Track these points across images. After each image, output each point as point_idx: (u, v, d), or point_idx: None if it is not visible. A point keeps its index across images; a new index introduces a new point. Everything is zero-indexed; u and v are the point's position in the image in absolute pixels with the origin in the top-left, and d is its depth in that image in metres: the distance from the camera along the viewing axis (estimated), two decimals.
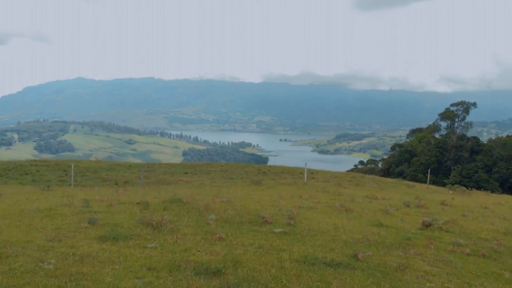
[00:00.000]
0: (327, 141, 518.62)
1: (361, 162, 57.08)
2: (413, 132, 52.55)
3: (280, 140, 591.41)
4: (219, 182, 24.48)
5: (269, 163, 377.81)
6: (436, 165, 41.02)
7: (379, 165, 52.44)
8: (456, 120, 47.71)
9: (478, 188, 39.24)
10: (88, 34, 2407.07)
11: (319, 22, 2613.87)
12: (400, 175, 42.11)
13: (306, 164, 23.12)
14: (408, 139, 51.92)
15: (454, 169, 40.76)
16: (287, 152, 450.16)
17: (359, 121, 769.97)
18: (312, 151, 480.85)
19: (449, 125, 46.95)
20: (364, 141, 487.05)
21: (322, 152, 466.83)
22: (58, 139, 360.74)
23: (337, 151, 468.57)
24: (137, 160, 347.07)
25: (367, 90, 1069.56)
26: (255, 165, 38.42)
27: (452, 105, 47.74)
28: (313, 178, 25.60)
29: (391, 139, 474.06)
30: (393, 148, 52.36)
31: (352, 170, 55.49)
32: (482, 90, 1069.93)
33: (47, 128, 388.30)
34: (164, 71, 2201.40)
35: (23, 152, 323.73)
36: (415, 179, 40.99)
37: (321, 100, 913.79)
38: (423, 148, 41.63)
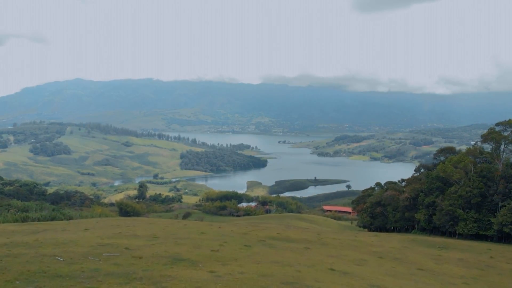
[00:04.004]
0: (326, 143, 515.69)
1: (378, 184, 51.03)
2: (441, 151, 45.61)
3: (279, 142, 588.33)
4: None
5: (268, 165, 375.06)
6: (480, 199, 34.53)
7: (402, 184, 46.38)
8: (503, 142, 38.91)
9: None
10: (87, 35, 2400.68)
11: (318, 23, 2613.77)
12: (431, 206, 36.45)
13: None
14: (435, 160, 45.24)
15: (504, 206, 33.29)
16: (286, 154, 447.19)
17: (358, 122, 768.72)
18: (311, 153, 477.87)
19: (494, 148, 38.52)
20: (364, 143, 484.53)
21: (321, 154, 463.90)
22: (54, 141, 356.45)
23: (336, 153, 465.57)
24: (135, 163, 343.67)
25: (366, 92, 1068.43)
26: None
27: (497, 124, 39.56)
28: None
29: (390, 141, 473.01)
30: (417, 169, 45.72)
31: (368, 195, 50.04)
32: (481, 92, 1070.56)
33: (43, 130, 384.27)
34: (163, 72, 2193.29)
35: (18, 154, 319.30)
36: (453, 215, 34.74)
37: (320, 101, 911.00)
38: (460, 175, 35.20)
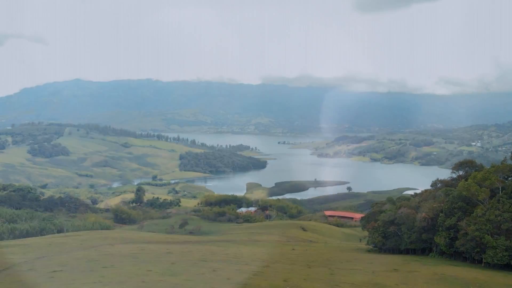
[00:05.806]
0: (326, 144, 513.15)
1: (389, 199, 47.44)
2: (460, 165, 41.99)
3: (279, 142, 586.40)
4: None
5: (268, 166, 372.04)
6: (511, 224, 30.95)
7: (414, 197, 42.92)
8: None
9: None
10: (86, 35, 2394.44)
11: (318, 23, 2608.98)
12: (452, 229, 32.93)
13: None
14: (453, 175, 41.66)
15: None
16: (285, 155, 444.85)
17: (358, 123, 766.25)
18: (311, 154, 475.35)
19: None
20: (364, 144, 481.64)
21: (321, 155, 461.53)
22: (52, 143, 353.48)
23: (336, 154, 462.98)
24: (133, 164, 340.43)
25: (366, 92, 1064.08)
26: None
27: None
28: None
29: (390, 142, 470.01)
30: (433, 185, 42.15)
31: (379, 211, 46.48)
32: (481, 93, 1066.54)
33: (42, 131, 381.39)
34: (162, 72, 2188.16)
35: (16, 156, 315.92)
36: (480, 241, 31.16)
37: (319, 102, 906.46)
38: (486, 195, 31.65)
